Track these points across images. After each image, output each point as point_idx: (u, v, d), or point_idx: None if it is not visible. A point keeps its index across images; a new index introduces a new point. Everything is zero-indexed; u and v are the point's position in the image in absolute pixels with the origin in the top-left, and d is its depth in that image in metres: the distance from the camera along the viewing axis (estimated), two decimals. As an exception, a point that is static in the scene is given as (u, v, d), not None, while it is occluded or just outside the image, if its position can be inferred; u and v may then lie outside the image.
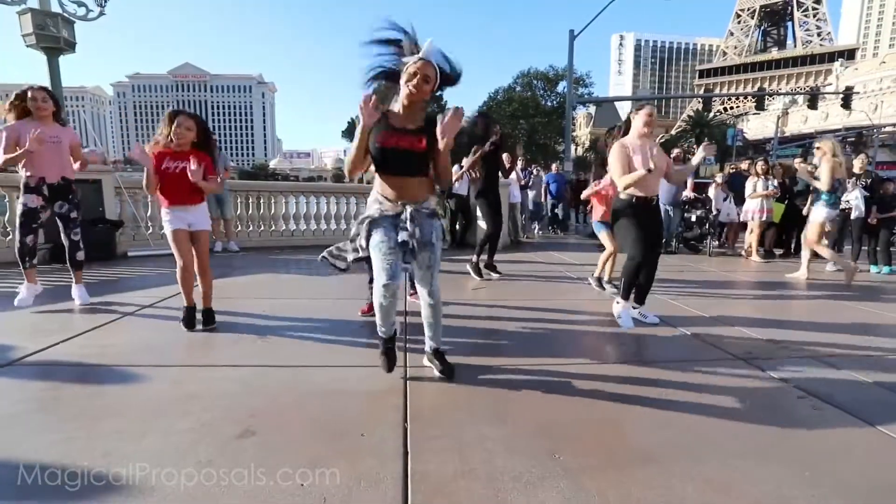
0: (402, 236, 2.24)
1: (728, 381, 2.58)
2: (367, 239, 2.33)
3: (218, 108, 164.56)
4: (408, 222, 2.25)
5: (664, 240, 8.02)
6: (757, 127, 64.44)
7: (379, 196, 2.34)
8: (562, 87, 40.08)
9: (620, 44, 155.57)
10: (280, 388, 2.33)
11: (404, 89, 2.22)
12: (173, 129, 3.09)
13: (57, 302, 3.87)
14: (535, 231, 11.12)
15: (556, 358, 2.86)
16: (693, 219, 8.20)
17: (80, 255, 3.93)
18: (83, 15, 6.57)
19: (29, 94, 3.60)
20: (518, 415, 2.11)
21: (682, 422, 2.09)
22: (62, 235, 3.89)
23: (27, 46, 6.11)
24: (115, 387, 2.35)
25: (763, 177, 7.46)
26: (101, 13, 6.74)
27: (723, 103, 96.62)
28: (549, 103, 42.32)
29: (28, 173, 3.63)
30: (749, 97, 76.56)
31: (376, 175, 2.36)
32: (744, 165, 9.01)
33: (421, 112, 2.31)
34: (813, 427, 2.08)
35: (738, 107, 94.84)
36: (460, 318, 3.71)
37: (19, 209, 3.73)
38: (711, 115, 62.97)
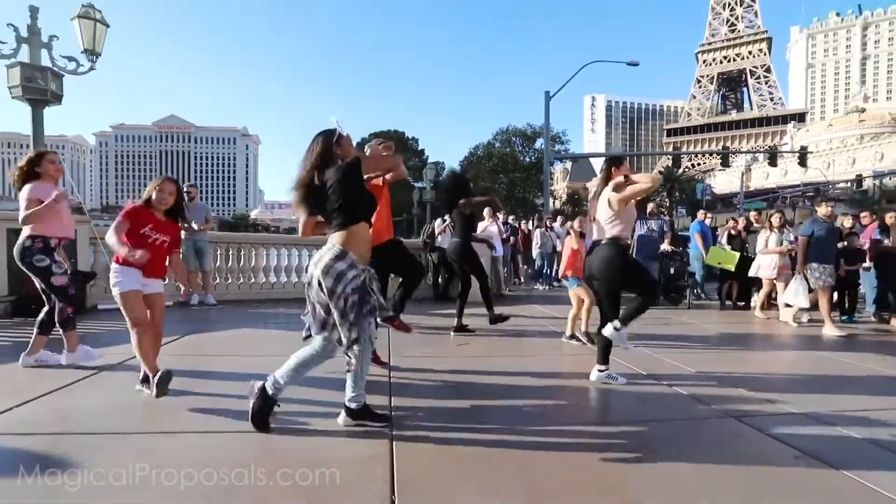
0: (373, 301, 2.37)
1: (722, 440, 2.53)
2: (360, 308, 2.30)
3: (201, 158, 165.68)
4: (372, 283, 2.40)
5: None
6: (724, 182, 67.96)
7: (352, 256, 2.34)
8: (539, 143, 41.93)
9: (592, 104, 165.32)
10: (257, 457, 2.17)
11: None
12: (158, 195, 3.02)
13: (12, 362, 3.62)
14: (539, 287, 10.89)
15: (545, 418, 2.78)
16: (671, 271, 8.38)
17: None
18: (73, 69, 6.67)
19: (47, 156, 3.56)
20: (509, 483, 2.00)
21: (679, 484, 2.02)
22: (56, 297, 3.50)
23: (13, 98, 6.11)
24: (75, 458, 2.14)
25: (778, 230, 6.81)
26: (92, 68, 6.85)
27: (690, 160, 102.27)
28: (527, 159, 44.06)
29: (50, 235, 3.43)
30: (714, 154, 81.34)
31: (348, 233, 2.36)
32: (703, 216, 9.28)
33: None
34: (814, 491, 2.03)
35: (704, 163, 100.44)
36: (444, 374, 3.62)
37: (60, 268, 3.42)
38: (681, 170, 66.33)
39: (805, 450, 2.37)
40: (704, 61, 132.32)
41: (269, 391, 2.42)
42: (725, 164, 31.49)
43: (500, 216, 10.04)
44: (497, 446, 2.36)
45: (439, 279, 8.00)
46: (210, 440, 2.37)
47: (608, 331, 3.37)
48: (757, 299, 7.12)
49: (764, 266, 6.85)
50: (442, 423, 2.65)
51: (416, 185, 34.62)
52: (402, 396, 3.07)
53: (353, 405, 2.50)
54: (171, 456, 2.18)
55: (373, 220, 3.08)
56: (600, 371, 3.49)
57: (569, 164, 71.71)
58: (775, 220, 6.89)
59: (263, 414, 2.40)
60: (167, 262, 3.20)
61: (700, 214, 9.35)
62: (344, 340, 2.29)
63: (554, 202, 48.98)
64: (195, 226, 6.95)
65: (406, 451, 2.27)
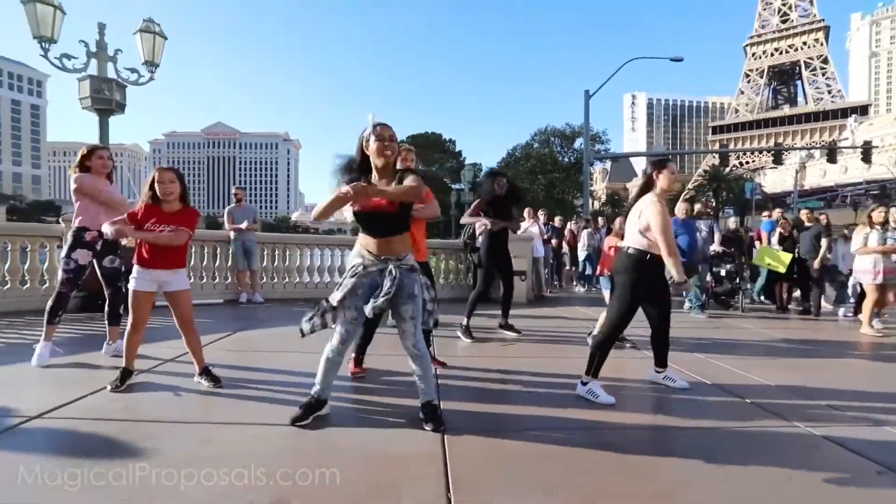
0: (382, 298, 2.35)
1: (792, 450, 2.37)
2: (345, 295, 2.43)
3: (245, 163, 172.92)
4: (389, 280, 2.37)
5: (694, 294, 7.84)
6: (775, 181, 64.47)
7: (363, 250, 2.49)
8: (578, 143, 41.16)
9: (633, 103, 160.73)
10: (313, 450, 2.22)
11: (379, 157, 2.42)
12: (160, 188, 3.01)
13: (84, 353, 3.86)
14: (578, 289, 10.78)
15: (600, 421, 2.69)
16: (723, 273, 8.00)
17: (122, 308, 3.82)
18: (135, 80, 7.09)
19: (97, 152, 3.70)
20: (568, 484, 1.95)
21: (746, 494, 1.90)
22: (107, 290, 3.79)
23: (83, 108, 6.57)
24: (142, 444, 2.26)
25: (879, 227, 5.82)
26: (151, 78, 7.27)
27: (738, 158, 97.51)
28: (566, 159, 43.33)
29: (83, 227, 3.60)
30: (765, 152, 77.26)
31: (359, 237, 2.53)
32: (770, 215, 8.85)
33: (394, 173, 2.48)
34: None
35: (754, 161, 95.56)
36: (491, 373, 3.58)
37: (67, 264, 3.60)
38: (728, 169, 63.37)
39: (888, 465, 2.18)
40: (753, 54, 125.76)
41: (313, 392, 2.59)
42: (778, 161, 29.73)
43: (542, 217, 9.90)
44: (552, 446, 2.30)
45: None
46: (265, 432, 2.43)
47: (580, 389, 3.06)
48: (863, 313, 5.92)
49: (862, 270, 5.84)
50: (492, 423, 2.63)
51: (453, 186, 34.74)
52: (451, 396, 3.05)
53: (420, 401, 2.56)
54: (230, 445, 2.26)
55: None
56: (657, 372, 3.37)
57: (608, 165, 70.14)
58: (877, 215, 5.87)
59: (307, 414, 2.51)
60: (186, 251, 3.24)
61: (775, 213, 8.83)
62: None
63: (593, 203, 47.91)
64: (243, 225, 7.24)
65: (458, 449, 2.25)
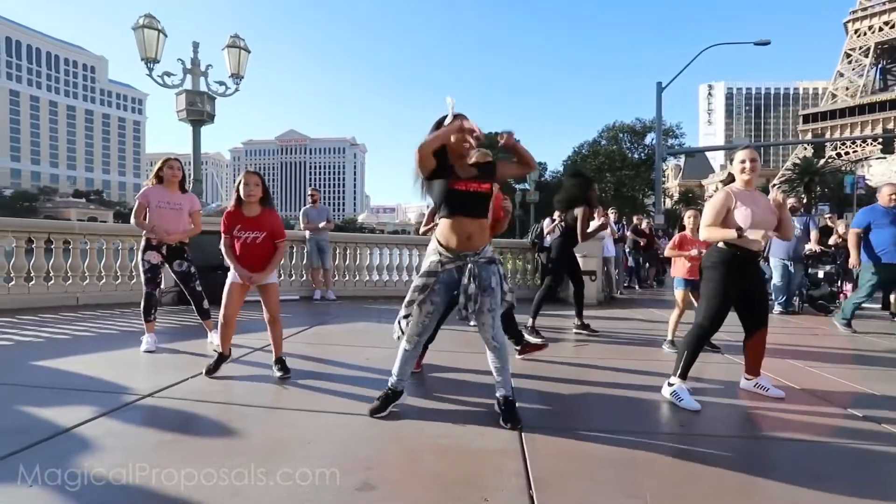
0: (464, 297, 2.40)
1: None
2: (423, 291, 2.49)
3: (315, 168, 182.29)
4: (468, 278, 2.38)
5: (785, 297, 7.16)
6: (882, 172, 57.34)
7: (440, 248, 2.48)
8: (650, 139, 39.18)
9: (709, 94, 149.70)
10: (392, 441, 2.29)
11: (458, 148, 2.46)
12: (244, 189, 3.23)
13: (183, 341, 4.24)
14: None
15: (686, 427, 2.54)
16: (820, 275, 7.24)
17: (206, 304, 4.21)
18: (223, 92, 7.72)
19: (168, 162, 4.14)
20: (660, 495, 1.84)
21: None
22: (185, 290, 4.18)
23: (179, 120, 7.26)
24: (237, 425, 2.44)
25: None
26: (237, 90, 7.87)
27: (835, 148, 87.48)
28: (636, 156, 41.41)
29: (150, 235, 4.01)
30: (871, 140, 68.81)
31: (441, 223, 2.50)
32: None
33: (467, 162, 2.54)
34: None
35: (855, 152, 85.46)
36: (565, 372, 3.48)
37: (143, 265, 3.99)
38: (822, 161, 57.11)
39: None
40: (857, 31, 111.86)
41: (390, 384, 2.65)
42: (888, 150, 26.25)
43: (612, 215, 9.53)
44: (635, 451, 2.20)
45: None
46: (349, 420, 2.54)
47: (665, 390, 2.97)
48: None
49: None
50: (569, 423, 2.57)
51: (517, 186, 34.37)
52: (525, 394, 3.00)
53: (497, 395, 2.57)
54: (317, 431, 2.38)
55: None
56: (748, 380, 3.12)
57: (682, 161, 66.04)
58: None
59: (384, 405, 2.59)
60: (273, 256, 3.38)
61: None
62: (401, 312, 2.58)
63: (665, 201, 45.33)
64: (321, 225, 7.63)
65: (536, 448, 2.22)
